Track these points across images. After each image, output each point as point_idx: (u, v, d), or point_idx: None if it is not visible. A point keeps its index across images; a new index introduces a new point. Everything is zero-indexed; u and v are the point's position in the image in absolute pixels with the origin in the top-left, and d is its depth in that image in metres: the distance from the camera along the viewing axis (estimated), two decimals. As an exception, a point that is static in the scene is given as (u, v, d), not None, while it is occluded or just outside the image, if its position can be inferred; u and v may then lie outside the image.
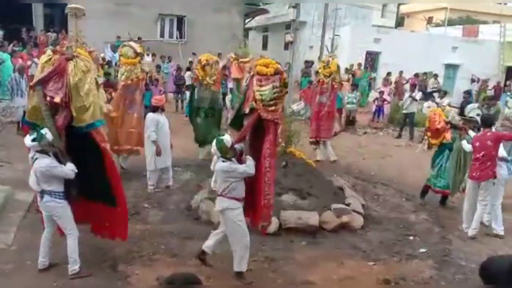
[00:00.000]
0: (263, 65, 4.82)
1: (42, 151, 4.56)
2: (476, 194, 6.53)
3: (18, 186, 7.10)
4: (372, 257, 5.70)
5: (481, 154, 6.38)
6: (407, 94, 13.85)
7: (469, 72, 20.92)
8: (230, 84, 12.94)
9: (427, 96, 14.01)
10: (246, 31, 26.79)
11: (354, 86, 15.37)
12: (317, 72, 10.42)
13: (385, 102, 15.34)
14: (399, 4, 28.99)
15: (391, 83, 17.05)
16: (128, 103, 8.08)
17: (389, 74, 17.72)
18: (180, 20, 20.58)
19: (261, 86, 4.75)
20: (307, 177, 7.16)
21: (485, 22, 29.48)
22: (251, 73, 4.98)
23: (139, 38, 17.42)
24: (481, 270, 1.96)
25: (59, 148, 4.60)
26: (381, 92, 15.59)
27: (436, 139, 7.73)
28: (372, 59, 21.77)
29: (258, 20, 25.88)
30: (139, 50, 8.18)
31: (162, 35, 20.55)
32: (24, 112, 10.68)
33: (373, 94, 17.29)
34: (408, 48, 19.68)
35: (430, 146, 8.09)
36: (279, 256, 5.51)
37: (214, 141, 4.77)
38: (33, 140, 4.53)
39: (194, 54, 9.99)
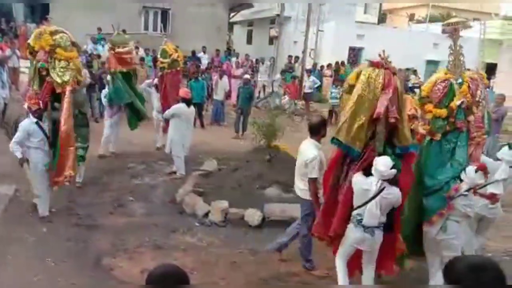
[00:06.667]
0: None
1: (390, 180, 3.97)
2: None
3: (-2, 179, 7.00)
4: (355, 249, 5.78)
5: None
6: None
7: (450, 68, 21.23)
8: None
9: (409, 91, 14.21)
10: (231, 25, 26.69)
11: (339, 82, 15.46)
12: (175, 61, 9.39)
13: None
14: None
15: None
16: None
17: (372, 69, 17.84)
18: (164, 13, 20.38)
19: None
20: (291, 171, 7.17)
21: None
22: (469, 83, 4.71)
23: (123, 31, 17.15)
24: (444, 271, 1.94)
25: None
26: (364, 88, 15.67)
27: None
28: (355, 54, 21.92)
29: (243, 14, 25.76)
30: (73, 39, 6.32)
31: (146, 28, 20.31)
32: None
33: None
34: (390, 44, 19.51)
35: None
36: (264, 248, 5.56)
37: None
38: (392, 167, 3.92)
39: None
